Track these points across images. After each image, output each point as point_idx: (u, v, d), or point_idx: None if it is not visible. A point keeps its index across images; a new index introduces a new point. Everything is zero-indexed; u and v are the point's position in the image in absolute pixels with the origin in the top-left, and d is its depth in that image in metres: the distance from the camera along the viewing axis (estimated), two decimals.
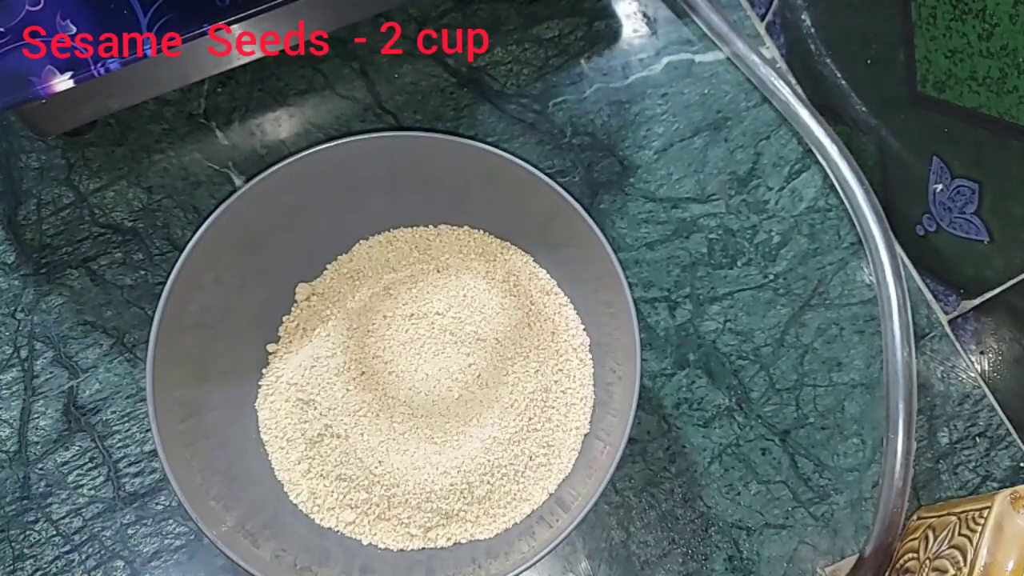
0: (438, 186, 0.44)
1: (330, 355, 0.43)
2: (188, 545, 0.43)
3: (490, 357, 0.44)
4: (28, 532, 0.43)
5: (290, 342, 0.44)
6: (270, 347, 0.44)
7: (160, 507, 0.44)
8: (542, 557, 0.36)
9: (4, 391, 0.45)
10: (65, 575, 0.43)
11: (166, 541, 0.43)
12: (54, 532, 0.43)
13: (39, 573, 0.43)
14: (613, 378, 0.42)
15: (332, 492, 0.42)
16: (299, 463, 0.42)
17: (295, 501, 0.42)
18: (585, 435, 0.43)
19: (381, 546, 0.41)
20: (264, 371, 0.44)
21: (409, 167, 0.43)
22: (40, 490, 0.44)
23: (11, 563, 0.43)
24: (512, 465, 0.42)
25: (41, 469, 0.44)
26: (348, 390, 0.43)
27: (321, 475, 0.42)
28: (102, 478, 0.44)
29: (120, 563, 0.43)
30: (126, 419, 0.45)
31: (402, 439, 0.42)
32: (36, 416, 0.45)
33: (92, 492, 0.44)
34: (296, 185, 0.41)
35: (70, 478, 0.44)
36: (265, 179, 0.40)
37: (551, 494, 0.42)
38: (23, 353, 0.46)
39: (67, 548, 0.43)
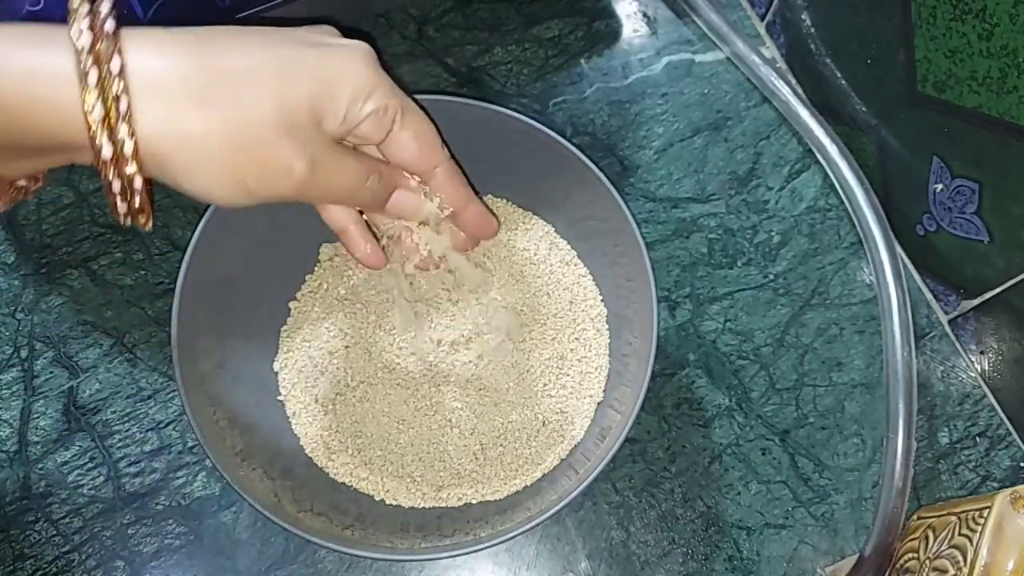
0: (463, 153, 0.44)
1: (351, 314, 0.44)
2: (188, 545, 0.43)
3: (508, 323, 0.44)
4: (28, 532, 0.43)
5: (312, 301, 0.45)
6: (292, 305, 0.45)
7: (160, 507, 0.44)
8: (553, 514, 0.37)
9: (4, 391, 0.45)
10: (65, 575, 0.43)
11: (166, 541, 0.43)
12: (54, 532, 0.43)
13: (39, 573, 0.43)
14: (629, 350, 0.42)
15: (347, 448, 0.42)
16: (316, 419, 0.43)
17: (311, 455, 0.43)
18: (599, 403, 0.43)
19: (393, 503, 0.42)
20: (284, 328, 0.45)
21: None
22: (40, 490, 0.44)
23: (11, 563, 0.43)
24: (525, 429, 0.43)
25: (41, 469, 0.44)
26: (367, 349, 0.44)
27: (337, 431, 0.43)
28: (102, 478, 0.44)
29: (120, 563, 0.43)
30: (126, 419, 0.45)
31: (418, 399, 0.43)
32: (36, 416, 0.45)
33: (92, 492, 0.44)
34: None
35: (70, 478, 0.44)
36: None
37: (563, 459, 0.42)
38: (23, 353, 0.46)
39: (67, 548, 0.43)
